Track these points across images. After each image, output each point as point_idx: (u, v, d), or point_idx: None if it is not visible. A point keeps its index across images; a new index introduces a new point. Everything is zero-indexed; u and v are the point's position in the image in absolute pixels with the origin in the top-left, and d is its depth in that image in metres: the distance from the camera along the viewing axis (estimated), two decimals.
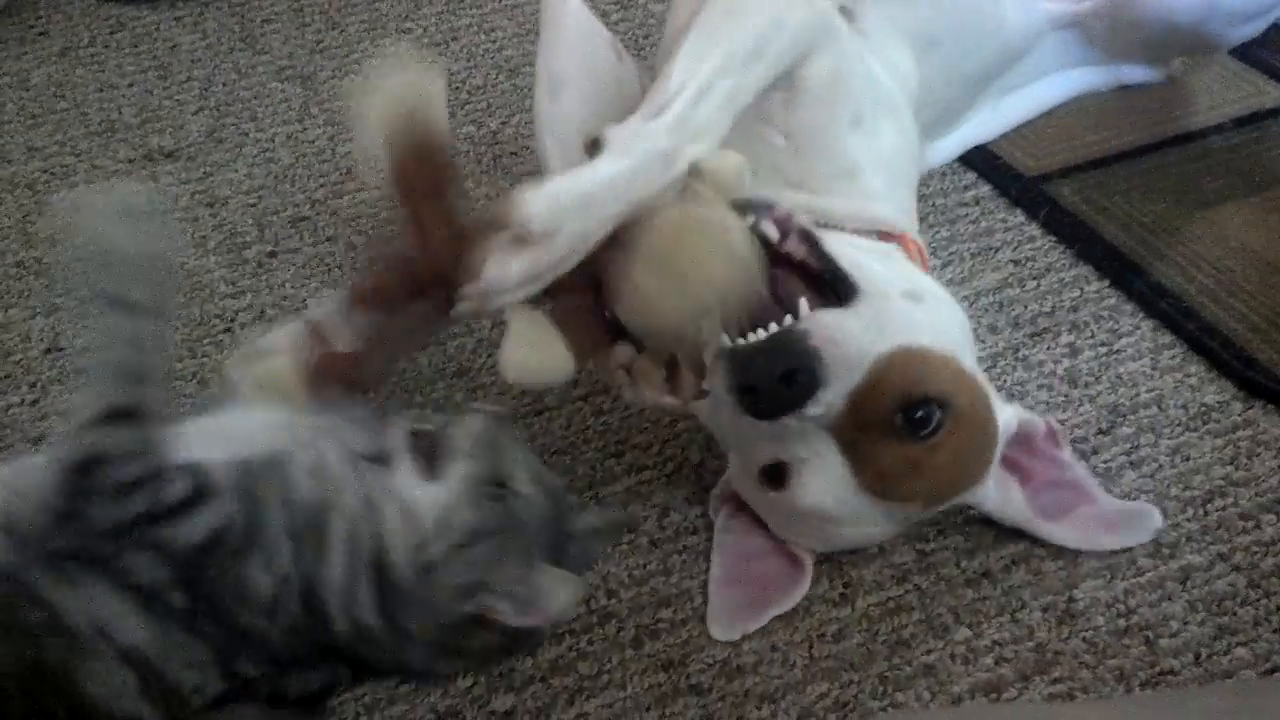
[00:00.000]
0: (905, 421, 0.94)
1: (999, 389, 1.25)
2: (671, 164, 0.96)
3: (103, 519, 0.76)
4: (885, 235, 1.12)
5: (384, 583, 0.82)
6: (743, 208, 0.94)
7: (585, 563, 0.98)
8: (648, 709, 1.01)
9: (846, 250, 1.00)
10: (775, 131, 1.10)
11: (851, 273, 0.97)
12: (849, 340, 0.93)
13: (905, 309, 0.98)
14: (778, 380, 0.91)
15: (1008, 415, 1.06)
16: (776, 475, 1.01)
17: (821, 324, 0.93)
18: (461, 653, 0.87)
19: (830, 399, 0.94)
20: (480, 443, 0.87)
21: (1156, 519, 1.10)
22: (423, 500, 0.84)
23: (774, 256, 0.95)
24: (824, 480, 0.98)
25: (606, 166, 0.95)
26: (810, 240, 0.97)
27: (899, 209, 1.16)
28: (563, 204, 0.91)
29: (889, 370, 0.95)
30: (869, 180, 1.12)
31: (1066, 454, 1.08)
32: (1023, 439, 1.07)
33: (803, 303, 0.95)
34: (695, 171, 0.96)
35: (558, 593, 0.85)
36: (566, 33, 1.18)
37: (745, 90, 1.01)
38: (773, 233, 0.94)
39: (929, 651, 1.05)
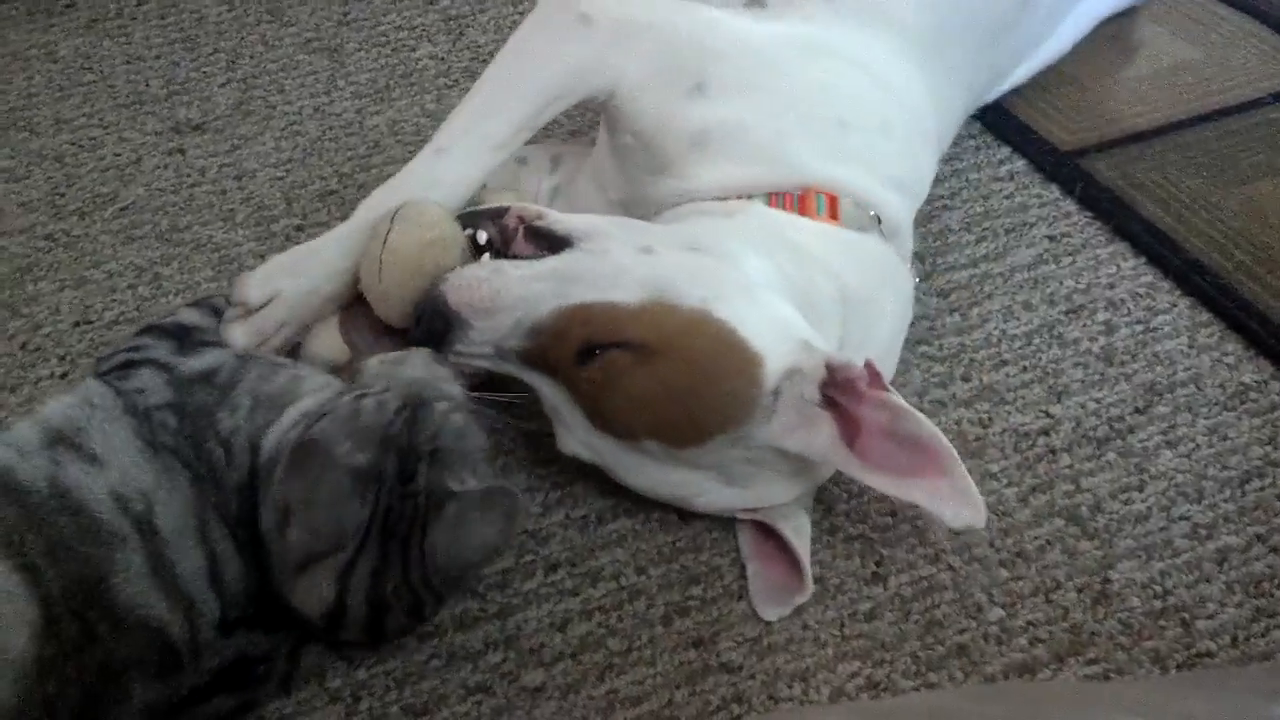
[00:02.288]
0: (583, 361, 1.00)
1: (1032, 366, 1.25)
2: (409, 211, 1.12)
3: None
4: (775, 195, 1.15)
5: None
6: (471, 218, 1.10)
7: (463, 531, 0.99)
8: (678, 686, 1.01)
9: (582, 223, 1.08)
10: (623, 133, 1.20)
11: (573, 236, 1.06)
12: (480, 286, 1.02)
13: (617, 264, 1.04)
14: (417, 320, 1.04)
15: (803, 359, 1.01)
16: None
17: (457, 275, 1.04)
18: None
19: (490, 339, 1.02)
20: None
21: (981, 517, 0.99)
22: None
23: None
24: (567, 426, 1.06)
25: (336, 231, 1.15)
26: (537, 234, 1.07)
27: (809, 157, 1.16)
28: (272, 275, 1.13)
29: (571, 318, 1.01)
30: (736, 141, 1.16)
31: (894, 398, 0.99)
32: (843, 384, 0.99)
33: (485, 258, 1.07)
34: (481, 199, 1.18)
35: None
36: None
37: (508, 127, 1.17)
38: (482, 239, 1.09)
39: (962, 631, 1.04)
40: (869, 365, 0.99)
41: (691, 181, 1.17)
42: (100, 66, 1.73)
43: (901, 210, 1.21)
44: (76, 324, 1.33)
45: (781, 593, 1.07)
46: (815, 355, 1.01)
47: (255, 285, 1.13)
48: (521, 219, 1.08)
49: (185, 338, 1.07)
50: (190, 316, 1.11)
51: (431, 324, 1.03)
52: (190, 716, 0.92)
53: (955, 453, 0.98)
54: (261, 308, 1.13)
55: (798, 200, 1.14)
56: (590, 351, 1.00)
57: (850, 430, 1.01)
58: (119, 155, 1.57)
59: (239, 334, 1.11)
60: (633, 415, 1.01)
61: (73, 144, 1.59)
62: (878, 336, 1.14)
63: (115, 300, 1.36)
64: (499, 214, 1.09)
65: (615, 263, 1.04)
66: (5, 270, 1.40)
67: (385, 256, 1.07)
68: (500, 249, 1.09)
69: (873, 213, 1.16)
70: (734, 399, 1.01)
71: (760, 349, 1.01)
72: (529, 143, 1.23)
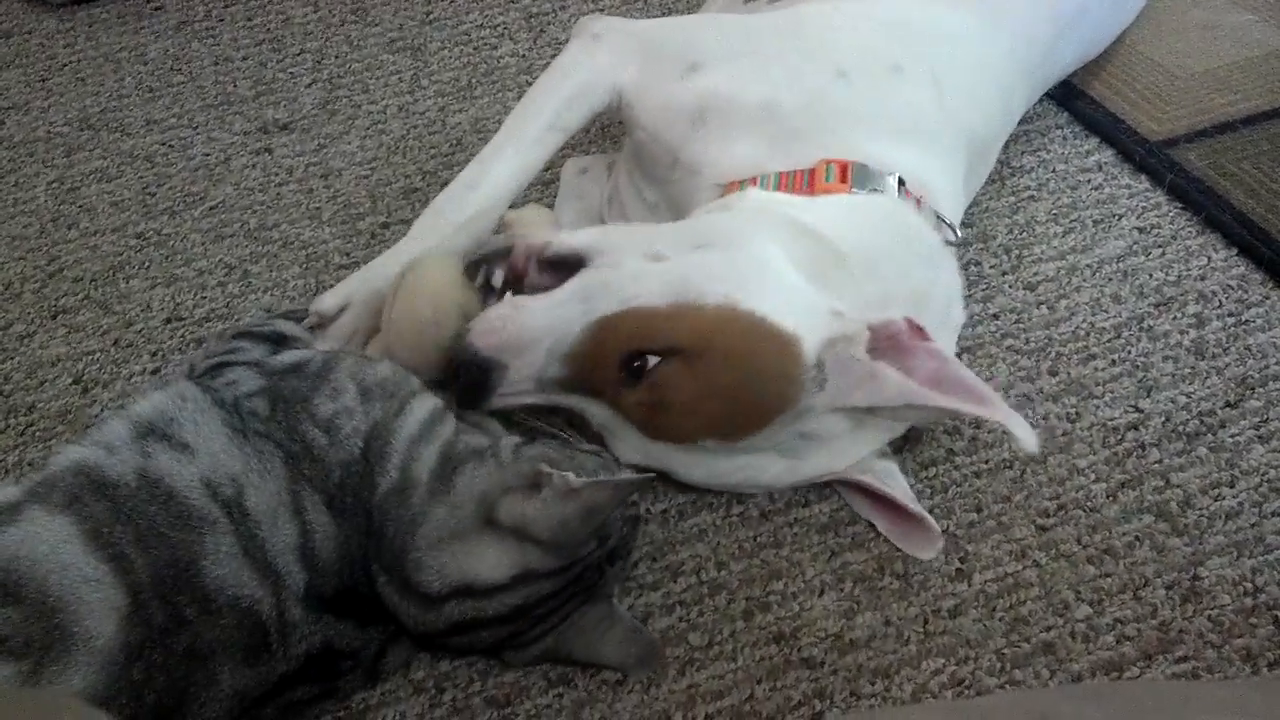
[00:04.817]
0: (629, 374, 1.01)
1: (1121, 360, 1.23)
2: (461, 232, 1.23)
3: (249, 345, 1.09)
4: (785, 175, 1.16)
5: (451, 457, 0.97)
6: (480, 262, 1.11)
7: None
8: (759, 681, 1.00)
9: (586, 239, 1.09)
10: (636, 129, 1.27)
11: (582, 255, 1.08)
12: (505, 326, 1.04)
13: (634, 272, 1.04)
14: (455, 376, 1.05)
15: (838, 327, 1.02)
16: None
17: (480, 321, 1.05)
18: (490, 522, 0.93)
19: (528, 374, 1.03)
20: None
21: (1035, 443, 0.98)
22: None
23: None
24: (619, 439, 1.06)
25: (396, 247, 1.24)
26: (550, 264, 1.09)
27: (804, 119, 1.18)
28: (342, 289, 1.21)
29: (603, 333, 1.02)
30: (731, 111, 1.20)
31: (938, 345, 1.01)
32: (887, 341, 1.02)
33: (508, 296, 1.08)
34: (504, 223, 1.29)
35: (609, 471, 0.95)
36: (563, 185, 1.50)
37: (530, 142, 1.26)
38: (497, 281, 1.10)
39: (1048, 629, 1.03)
40: (907, 320, 1.02)
41: (704, 171, 1.19)
42: (189, 68, 1.76)
43: (916, 162, 1.18)
44: (167, 320, 1.36)
45: (919, 535, 1.09)
46: (851, 322, 1.02)
47: (329, 298, 1.20)
48: (528, 252, 1.09)
49: (281, 344, 1.11)
50: (286, 326, 1.15)
51: (470, 375, 1.04)
52: (278, 703, 0.93)
53: (997, 397, 0.98)
54: (335, 320, 1.20)
55: (809, 176, 1.15)
56: (632, 369, 1.01)
57: None
58: (208, 155, 1.60)
59: (324, 346, 1.17)
60: (686, 422, 1.02)
61: (163, 144, 1.62)
62: (897, 293, 1.11)
63: (205, 297, 1.38)
64: (505, 253, 1.10)
65: (631, 272, 1.04)
66: (98, 268, 1.43)
67: (390, 327, 1.12)
68: (515, 287, 1.10)
69: (893, 173, 1.15)
70: (781, 381, 1.01)
71: (793, 328, 1.01)
72: (588, 152, 1.29)
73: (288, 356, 1.05)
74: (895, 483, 1.09)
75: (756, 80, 1.21)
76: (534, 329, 1.03)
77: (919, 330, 1.02)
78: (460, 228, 1.22)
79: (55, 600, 0.84)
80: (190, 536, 0.89)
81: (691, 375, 1.00)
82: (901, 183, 1.15)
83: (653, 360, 1.00)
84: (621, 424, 1.04)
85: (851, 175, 1.14)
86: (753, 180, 1.16)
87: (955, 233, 1.18)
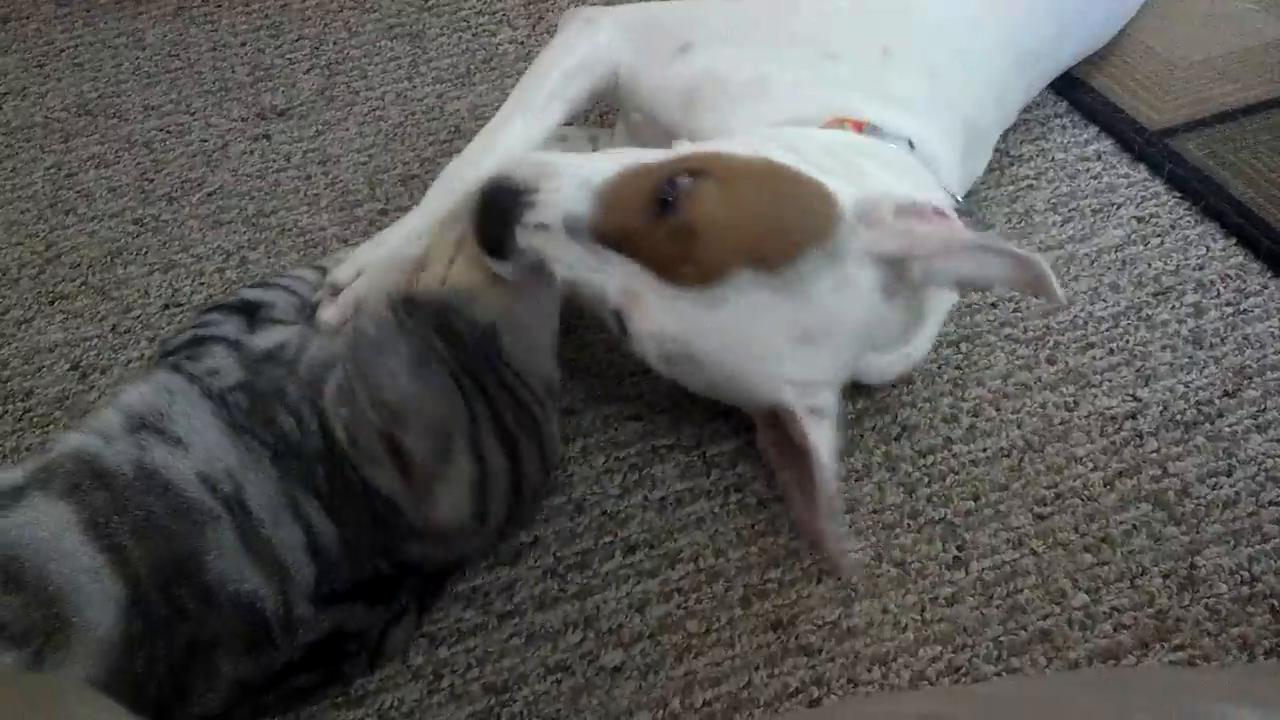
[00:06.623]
0: (661, 206, 1.00)
1: (1120, 349, 1.23)
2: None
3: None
4: None
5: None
6: None
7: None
8: (757, 668, 1.01)
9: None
10: (631, 111, 1.31)
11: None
12: (544, 158, 1.08)
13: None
14: (488, 201, 1.05)
15: (867, 195, 1.03)
16: (621, 323, 1.04)
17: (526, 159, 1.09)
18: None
19: (556, 200, 1.03)
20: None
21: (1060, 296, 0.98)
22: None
23: None
24: (638, 307, 1.01)
25: (412, 212, 1.24)
26: None
27: (801, 93, 1.20)
28: (358, 256, 1.20)
29: (636, 174, 1.04)
30: (722, 89, 1.21)
31: (956, 221, 1.02)
32: (909, 211, 1.02)
33: None
34: None
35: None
36: None
37: (536, 111, 1.27)
38: None
39: (1045, 617, 1.03)
40: (931, 204, 1.02)
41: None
42: (187, 53, 1.76)
43: (914, 129, 1.19)
44: (165, 307, 1.36)
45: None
46: (881, 195, 1.03)
47: (344, 267, 1.19)
48: None
49: (254, 314, 1.09)
50: (254, 294, 1.13)
51: (498, 199, 1.04)
52: (279, 691, 0.93)
53: (1041, 263, 0.97)
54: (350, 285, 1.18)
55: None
56: (664, 202, 0.99)
57: None
58: (206, 141, 1.59)
59: (330, 313, 1.16)
60: (717, 245, 0.98)
61: (160, 130, 1.62)
62: None
63: (203, 284, 1.38)
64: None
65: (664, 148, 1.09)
66: (96, 254, 1.43)
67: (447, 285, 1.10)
68: None
69: (903, 136, 1.17)
70: (814, 214, 1.01)
71: (826, 184, 1.03)
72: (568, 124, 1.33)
73: (265, 339, 1.04)
74: (819, 428, 1.02)
75: (747, 63, 1.22)
76: (569, 162, 1.06)
77: (942, 214, 1.02)
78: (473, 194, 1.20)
79: (55, 589, 0.84)
80: (190, 529, 0.89)
81: (724, 195, 0.99)
82: (911, 146, 1.16)
83: (685, 183, 0.99)
84: (644, 281, 1.00)
85: (864, 131, 1.15)
86: None
87: (958, 199, 1.19)
